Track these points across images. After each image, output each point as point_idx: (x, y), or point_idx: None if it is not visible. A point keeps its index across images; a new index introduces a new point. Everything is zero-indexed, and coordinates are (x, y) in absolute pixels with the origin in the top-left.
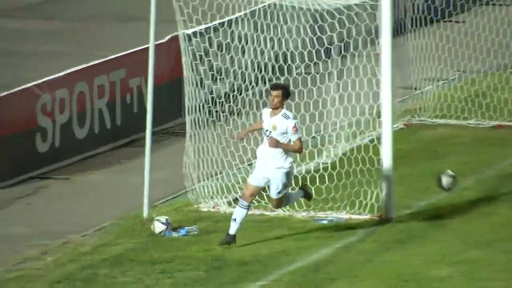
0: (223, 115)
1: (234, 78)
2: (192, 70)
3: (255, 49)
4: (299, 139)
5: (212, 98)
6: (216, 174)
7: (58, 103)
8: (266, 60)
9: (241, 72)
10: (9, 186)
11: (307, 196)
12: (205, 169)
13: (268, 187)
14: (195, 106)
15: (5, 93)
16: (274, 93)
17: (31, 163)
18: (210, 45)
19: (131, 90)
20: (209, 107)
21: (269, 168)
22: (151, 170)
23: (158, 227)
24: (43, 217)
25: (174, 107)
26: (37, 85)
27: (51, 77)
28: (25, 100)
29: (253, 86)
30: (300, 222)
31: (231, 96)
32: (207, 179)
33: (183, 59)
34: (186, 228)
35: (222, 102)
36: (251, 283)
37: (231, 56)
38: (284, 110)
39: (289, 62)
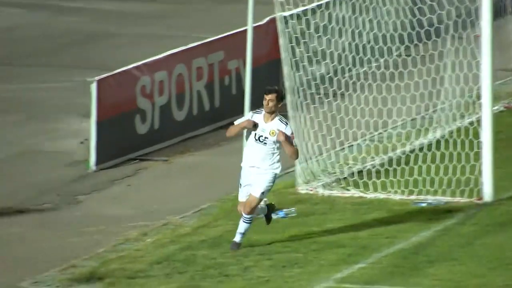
0: (319, 98)
1: (331, 60)
2: (289, 53)
3: (353, 31)
4: (295, 144)
5: (308, 80)
6: (315, 157)
7: (158, 85)
8: (365, 42)
9: (338, 54)
10: (109, 168)
11: (268, 216)
12: (303, 152)
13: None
14: (293, 88)
15: (106, 75)
16: (269, 97)
17: (131, 145)
18: (307, 27)
19: (230, 72)
20: (305, 89)
21: (256, 173)
22: None
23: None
24: (142, 199)
25: None
26: (137, 67)
27: (150, 59)
28: (125, 82)
29: (350, 69)
30: (399, 204)
31: (327, 79)
32: (306, 161)
33: (281, 41)
34: (284, 210)
35: (318, 84)
36: (350, 266)
37: (328, 38)
38: (279, 115)
39: (389, 44)
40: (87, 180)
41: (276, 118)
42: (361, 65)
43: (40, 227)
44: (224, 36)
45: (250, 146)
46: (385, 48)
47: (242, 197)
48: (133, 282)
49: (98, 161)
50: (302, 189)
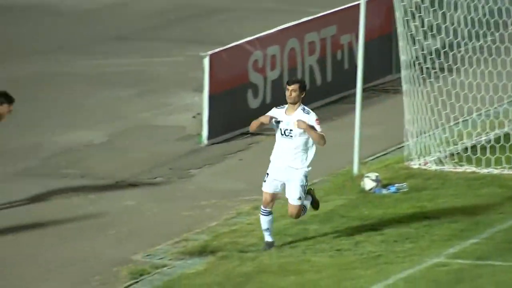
0: (434, 72)
1: (446, 34)
2: (404, 27)
3: (468, 4)
4: (322, 131)
5: (423, 55)
6: (428, 132)
7: (270, 60)
8: (480, 15)
9: (453, 28)
10: (221, 142)
11: (315, 203)
12: (417, 126)
13: (285, 191)
14: (408, 62)
15: (218, 49)
16: (291, 87)
17: (243, 119)
18: (422, 0)
19: (342, 47)
20: (420, 63)
21: (288, 171)
22: (361, 126)
23: (368, 184)
24: (254, 173)
25: (384, 63)
26: (249, 42)
27: (263, 33)
28: (238, 56)
29: (466, 42)
30: None
31: (442, 53)
32: (418, 136)
33: (396, 14)
34: (396, 185)
35: (433, 59)
36: (462, 241)
37: (443, 12)
38: (302, 105)
39: (504, 17)
40: (199, 154)
41: (299, 109)
42: (477, 39)
43: (153, 201)
44: (337, 11)
45: (278, 142)
46: (500, 21)
47: (267, 188)
48: (245, 256)
49: (210, 135)
50: (414, 164)
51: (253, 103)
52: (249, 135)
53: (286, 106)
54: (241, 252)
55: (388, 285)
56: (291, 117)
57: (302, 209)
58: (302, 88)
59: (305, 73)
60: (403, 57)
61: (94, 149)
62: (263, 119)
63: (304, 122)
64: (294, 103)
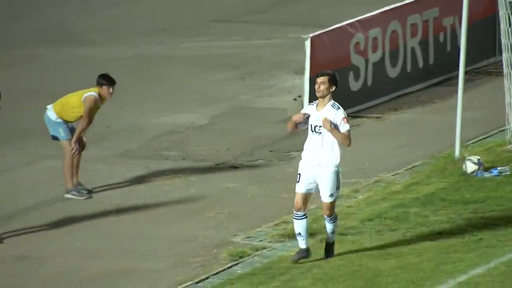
0: None
1: None
2: (506, 8)
3: None
4: (348, 131)
5: None
6: None
7: (371, 42)
8: None
9: None
10: None
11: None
12: None
13: (319, 190)
14: (509, 45)
15: (320, 32)
16: (320, 79)
17: (344, 101)
18: None
19: (445, 29)
20: None
21: (318, 168)
22: (463, 109)
23: (470, 167)
24: (354, 156)
25: (487, 45)
26: (351, 24)
27: (365, 16)
28: (339, 39)
29: None
30: None
31: None
32: None
33: None
34: (498, 168)
35: None
36: None
37: None
38: (332, 101)
39: None
40: (299, 136)
41: (329, 104)
42: None
43: (253, 183)
44: None
45: (308, 139)
46: None
47: (299, 188)
48: (345, 239)
49: None
50: None
51: (354, 85)
52: (350, 117)
53: (317, 101)
54: (341, 235)
55: (490, 268)
56: (321, 113)
57: (334, 206)
58: (331, 81)
59: (407, 55)
60: (503, 40)
61: (195, 131)
62: (296, 117)
63: (329, 122)
64: (322, 97)
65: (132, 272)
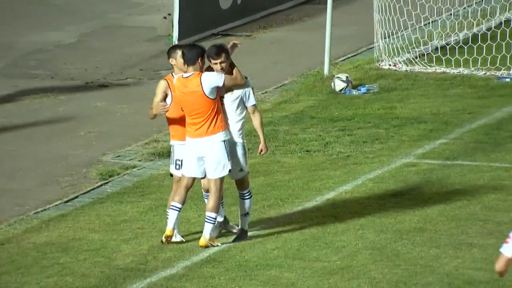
0: None
1: None
2: None
3: None
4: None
5: None
6: (398, 32)
7: None
8: None
9: None
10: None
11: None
12: (387, 27)
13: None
14: None
15: None
16: (219, 60)
17: (214, 19)
18: None
19: None
20: None
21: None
22: (332, 27)
23: (339, 84)
24: None
25: None
26: None
27: None
28: None
29: None
30: (482, 80)
31: None
32: (388, 37)
33: None
34: (366, 86)
35: None
36: (431, 141)
37: None
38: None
39: None
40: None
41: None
42: None
43: (123, 102)
44: None
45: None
46: None
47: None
48: None
49: (181, 36)
50: (385, 64)
51: (224, 3)
52: (219, 35)
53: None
54: None
55: (357, 185)
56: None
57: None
58: (228, 54)
59: None
60: None
61: (64, 49)
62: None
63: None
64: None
65: (0, 191)
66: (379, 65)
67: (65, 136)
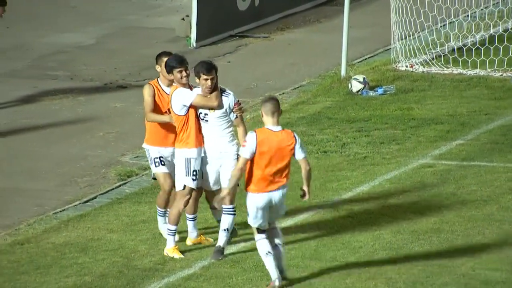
0: None
1: None
2: None
3: None
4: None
5: None
6: (415, 34)
7: None
8: None
9: None
10: (209, 44)
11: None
12: (404, 29)
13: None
14: None
15: None
16: (209, 76)
17: (231, 21)
18: None
19: None
20: None
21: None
22: (349, 28)
23: (356, 85)
24: (242, 75)
25: None
26: None
27: None
28: None
29: None
30: (499, 81)
31: None
32: (405, 38)
33: None
34: (383, 87)
35: None
36: (448, 142)
37: None
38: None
39: None
40: (187, 56)
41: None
42: None
43: (141, 103)
44: None
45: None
46: None
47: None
48: None
49: (199, 37)
50: (401, 66)
51: (242, 4)
52: (237, 37)
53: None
54: None
55: (374, 186)
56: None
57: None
58: (216, 72)
59: None
60: None
61: (83, 50)
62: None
63: None
64: (212, 92)
65: (20, 191)
66: (396, 66)
67: (84, 137)
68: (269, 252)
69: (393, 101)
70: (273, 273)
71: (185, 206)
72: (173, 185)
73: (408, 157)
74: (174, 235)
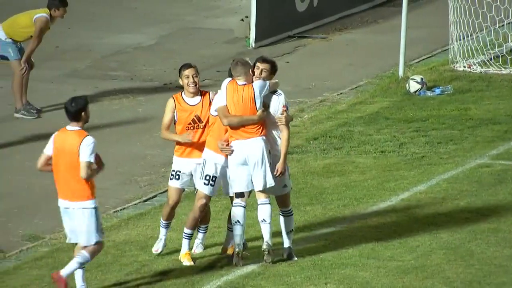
0: None
1: None
2: None
3: None
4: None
5: None
6: (473, 34)
7: None
8: None
9: None
10: (268, 45)
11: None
12: (462, 29)
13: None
14: None
15: None
16: (263, 66)
17: (290, 22)
18: None
19: None
20: None
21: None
22: (407, 29)
23: (413, 86)
24: (300, 75)
25: None
26: None
27: None
28: None
29: None
30: None
31: None
32: (463, 38)
33: None
34: (441, 87)
35: None
36: (505, 142)
37: None
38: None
39: None
40: (246, 56)
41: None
42: None
43: None
44: None
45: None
46: None
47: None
48: (291, 158)
49: (258, 38)
50: (459, 66)
51: (301, 5)
52: (295, 37)
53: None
54: (288, 153)
55: (431, 185)
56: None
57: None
58: (273, 69)
59: None
60: None
61: (143, 51)
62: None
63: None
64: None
65: None
66: (454, 66)
67: (144, 136)
68: (238, 221)
69: (450, 101)
70: (237, 240)
71: (201, 211)
72: (178, 202)
73: (466, 157)
74: (189, 239)
